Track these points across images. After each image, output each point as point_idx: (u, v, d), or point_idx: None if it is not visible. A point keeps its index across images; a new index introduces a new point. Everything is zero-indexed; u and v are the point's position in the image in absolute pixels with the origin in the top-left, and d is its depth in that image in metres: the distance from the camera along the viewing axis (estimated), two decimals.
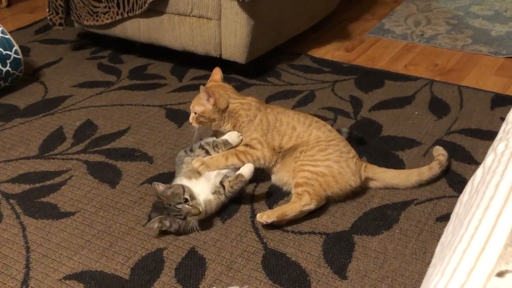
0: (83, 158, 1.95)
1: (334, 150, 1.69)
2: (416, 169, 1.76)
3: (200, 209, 1.57)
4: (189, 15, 2.36)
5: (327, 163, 1.66)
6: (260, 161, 1.71)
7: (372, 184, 1.74)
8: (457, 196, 1.43)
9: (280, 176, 1.74)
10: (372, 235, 1.57)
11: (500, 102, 2.22)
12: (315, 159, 1.67)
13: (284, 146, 1.73)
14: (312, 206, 1.61)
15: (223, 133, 1.78)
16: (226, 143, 1.74)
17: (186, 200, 1.56)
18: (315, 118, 1.81)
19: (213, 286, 1.42)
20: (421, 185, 1.74)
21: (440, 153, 1.81)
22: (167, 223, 1.57)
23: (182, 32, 2.41)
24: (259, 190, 1.77)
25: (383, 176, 1.74)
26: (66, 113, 2.24)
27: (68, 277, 1.46)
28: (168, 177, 1.82)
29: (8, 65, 2.32)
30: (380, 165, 1.77)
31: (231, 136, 1.75)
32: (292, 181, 1.67)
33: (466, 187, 1.00)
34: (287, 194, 1.73)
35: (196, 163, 1.67)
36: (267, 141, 1.72)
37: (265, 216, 1.58)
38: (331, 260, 1.49)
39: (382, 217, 1.64)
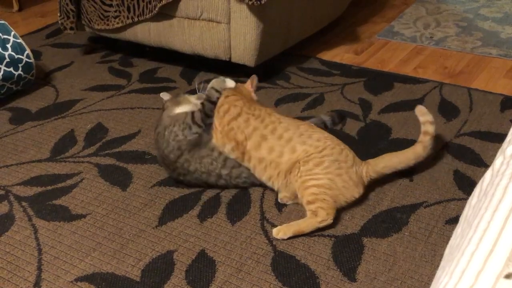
0: (94, 161, 1.97)
1: (330, 161, 1.63)
2: (411, 149, 1.73)
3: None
4: (198, 19, 2.38)
5: (329, 176, 1.62)
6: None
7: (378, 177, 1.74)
8: (466, 199, 1.43)
9: (289, 194, 1.71)
10: (381, 238, 1.58)
11: (510, 104, 2.21)
12: (315, 172, 1.62)
13: (249, 148, 1.70)
14: (329, 221, 1.58)
15: None
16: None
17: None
18: (300, 130, 1.69)
19: None
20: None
21: (426, 120, 1.75)
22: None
23: (192, 35, 2.43)
24: (268, 192, 1.77)
25: (383, 167, 1.71)
26: (77, 117, 2.26)
27: (79, 279, 1.48)
28: (179, 180, 1.83)
29: (20, 69, 2.34)
30: None
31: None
32: (302, 200, 1.64)
33: (475, 189, 1.01)
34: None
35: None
36: (224, 130, 1.73)
37: (281, 233, 1.57)
38: (341, 262, 1.50)
39: (392, 219, 1.64)
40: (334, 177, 1.62)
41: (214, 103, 1.76)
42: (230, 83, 1.83)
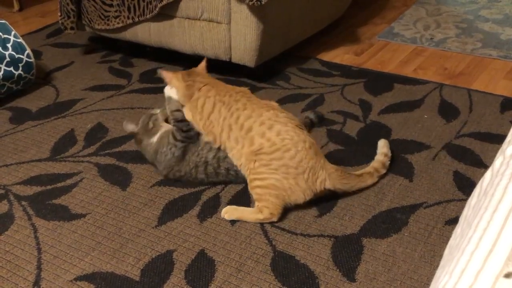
0: (94, 160, 1.97)
1: (278, 166, 1.60)
2: (369, 176, 1.75)
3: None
4: (199, 19, 2.38)
5: (275, 176, 1.61)
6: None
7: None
8: (466, 199, 1.43)
9: None
10: (381, 238, 1.58)
11: (509, 105, 2.21)
12: (260, 171, 1.62)
13: (224, 142, 1.70)
14: (273, 219, 1.64)
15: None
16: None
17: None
18: (262, 119, 1.64)
19: None
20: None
21: (382, 155, 1.82)
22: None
23: (192, 36, 2.43)
24: None
25: (343, 185, 1.68)
26: (77, 116, 2.26)
27: (79, 278, 1.48)
28: (177, 180, 1.83)
29: (20, 68, 2.34)
30: (389, 169, 1.79)
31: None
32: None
33: (474, 190, 1.01)
34: None
35: None
36: (205, 125, 1.73)
37: (227, 215, 1.67)
38: (340, 263, 1.50)
39: (391, 220, 1.64)
40: (281, 178, 1.61)
41: (183, 120, 1.77)
42: (173, 96, 1.80)
